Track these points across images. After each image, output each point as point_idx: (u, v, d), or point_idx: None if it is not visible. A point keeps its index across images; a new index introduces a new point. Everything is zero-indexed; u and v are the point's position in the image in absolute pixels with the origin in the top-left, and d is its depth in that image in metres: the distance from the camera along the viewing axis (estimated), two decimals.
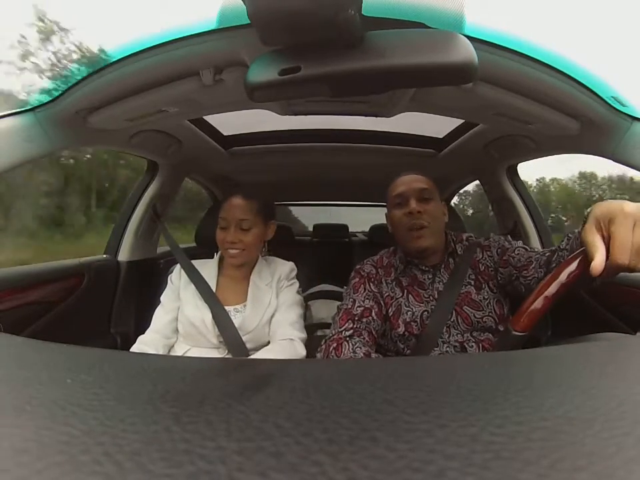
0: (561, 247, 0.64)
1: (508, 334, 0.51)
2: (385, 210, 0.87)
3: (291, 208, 3.15)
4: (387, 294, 0.79)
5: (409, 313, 0.76)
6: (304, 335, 0.83)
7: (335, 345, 0.69)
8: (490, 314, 0.74)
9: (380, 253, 0.89)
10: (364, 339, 0.70)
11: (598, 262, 0.43)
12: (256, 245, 0.85)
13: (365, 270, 0.83)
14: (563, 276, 0.49)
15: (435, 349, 0.72)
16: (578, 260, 0.49)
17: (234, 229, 0.81)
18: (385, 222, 0.87)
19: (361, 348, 0.67)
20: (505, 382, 0.24)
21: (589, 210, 0.50)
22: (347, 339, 0.69)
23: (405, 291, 0.79)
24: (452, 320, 0.74)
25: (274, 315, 0.84)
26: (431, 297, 0.77)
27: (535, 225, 1.27)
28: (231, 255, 0.82)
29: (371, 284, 0.80)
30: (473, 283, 0.78)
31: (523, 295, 0.72)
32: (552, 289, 0.49)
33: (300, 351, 0.78)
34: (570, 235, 0.62)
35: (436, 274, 0.80)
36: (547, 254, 0.69)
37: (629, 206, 0.43)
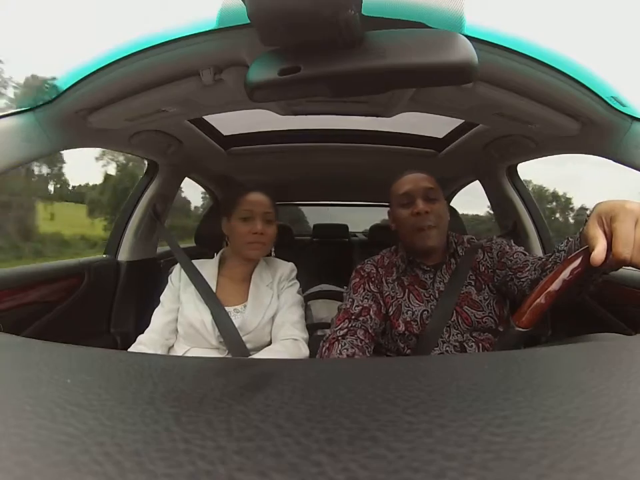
0: (559, 248, 0.65)
1: (510, 330, 0.51)
2: (385, 210, 0.87)
3: (292, 208, 3.15)
4: (388, 294, 0.79)
5: (409, 312, 0.76)
6: (306, 335, 0.83)
7: (327, 345, 0.70)
8: (490, 314, 0.74)
9: (381, 253, 0.89)
10: (357, 337, 0.70)
11: (598, 252, 0.44)
12: (273, 241, 0.86)
13: (365, 270, 0.83)
14: (566, 272, 0.49)
15: (435, 348, 0.72)
16: (581, 257, 0.49)
17: (260, 221, 0.82)
18: (385, 221, 0.87)
19: (347, 350, 0.67)
20: (505, 382, 0.24)
21: (590, 209, 0.50)
22: (340, 338, 0.70)
23: (407, 290, 0.79)
24: (452, 320, 0.74)
25: (275, 316, 0.84)
26: (432, 297, 0.77)
27: (535, 225, 1.27)
28: (254, 248, 0.82)
29: (371, 284, 0.80)
30: (473, 283, 0.78)
31: (515, 296, 0.73)
32: (555, 285, 0.50)
33: (304, 351, 0.78)
34: (570, 238, 0.62)
35: (437, 274, 0.80)
36: (543, 258, 0.69)
37: (631, 204, 0.44)
